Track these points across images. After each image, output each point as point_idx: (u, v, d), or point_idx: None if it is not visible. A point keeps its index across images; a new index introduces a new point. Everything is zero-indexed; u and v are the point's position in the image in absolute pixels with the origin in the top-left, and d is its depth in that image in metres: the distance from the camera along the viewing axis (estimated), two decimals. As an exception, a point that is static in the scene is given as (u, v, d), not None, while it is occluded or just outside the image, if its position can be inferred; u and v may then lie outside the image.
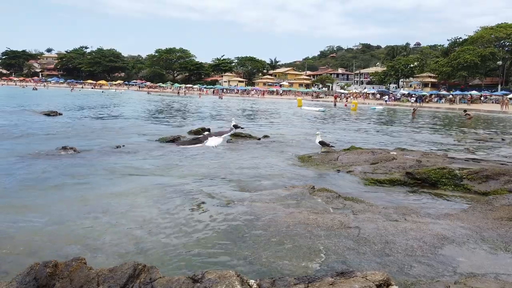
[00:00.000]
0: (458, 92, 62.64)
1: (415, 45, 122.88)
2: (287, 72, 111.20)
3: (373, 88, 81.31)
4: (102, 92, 71.85)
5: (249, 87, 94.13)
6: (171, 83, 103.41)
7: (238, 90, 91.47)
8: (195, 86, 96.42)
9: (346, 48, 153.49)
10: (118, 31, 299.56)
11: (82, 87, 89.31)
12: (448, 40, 79.09)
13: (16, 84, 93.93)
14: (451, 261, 4.34)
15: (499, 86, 65.55)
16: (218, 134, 10.41)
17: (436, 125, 26.44)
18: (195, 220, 5.70)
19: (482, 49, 63.30)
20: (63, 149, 10.45)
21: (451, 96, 60.96)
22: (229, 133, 10.79)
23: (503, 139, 17.43)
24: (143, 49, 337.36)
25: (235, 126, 16.42)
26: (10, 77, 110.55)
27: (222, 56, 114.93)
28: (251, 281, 2.74)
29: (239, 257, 4.49)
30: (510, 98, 51.78)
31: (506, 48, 67.07)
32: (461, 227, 5.37)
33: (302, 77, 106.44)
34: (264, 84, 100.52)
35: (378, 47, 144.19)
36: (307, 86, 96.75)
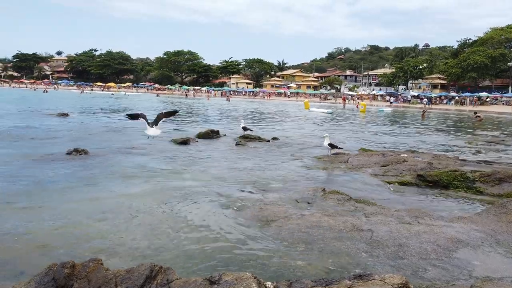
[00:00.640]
0: (467, 93, 62.04)
1: (424, 46, 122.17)
2: (294, 74, 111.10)
3: (381, 89, 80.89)
4: (112, 94, 72.43)
5: (257, 89, 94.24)
6: (180, 85, 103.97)
7: (246, 92, 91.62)
8: (203, 88, 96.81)
9: (354, 50, 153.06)
10: (127, 34, 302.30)
11: (92, 90, 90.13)
12: (457, 41, 78.36)
13: (27, 87, 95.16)
14: (466, 265, 4.30)
15: (510, 87, 64.79)
16: (154, 123, 10.10)
17: (446, 127, 26.21)
18: (207, 222, 5.72)
19: (492, 50, 62.63)
20: (74, 151, 10.55)
21: (457, 97, 60.46)
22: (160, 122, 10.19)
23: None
24: (152, 51, 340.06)
25: (244, 128, 16.45)
26: (21, 80, 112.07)
27: (230, 58, 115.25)
28: (268, 283, 2.75)
29: (251, 259, 4.50)
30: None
31: (517, 49, 66.32)
32: (475, 230, 5.32)
33: (310, 79, 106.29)
34: (272, 86, 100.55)
35: (386, 48, 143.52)
36: (315, 88, 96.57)
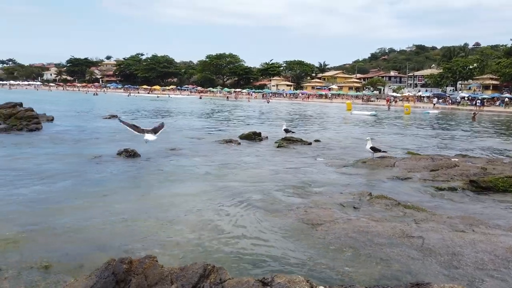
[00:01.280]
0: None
1: (474, 45, 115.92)
2: (336, 75, 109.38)
3: (427, 91, 77.67)
4: (157, 97, 74.99)
5: (297, 91, 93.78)
6: (221, 87, 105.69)
7: (286, 94, 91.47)
8: (244, 91, 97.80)
9: (398, 50, 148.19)
10: (172, 38, 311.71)
11: (138, 92, 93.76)
12: (511, 39, 73.57)
13: (79, 90, 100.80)
14: (527, 277, 4.05)
15: None
16: (153, 130, 11.20)
17: (499, 131, 24.74)
18: (252, 223, 5.79)
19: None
20: (124, 151, 11.05)
21: (506, 99, 56.79)
22: (161, 130, 11.36)
23: None
24: (195, 55, 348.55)
25: (286, 131, 16.44)
26: (73, 83, 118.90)
27: (270, 61, 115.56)
28: (321, 287, 2.75)
29: (298, 262, 4.49)
30: None
31: None
32: (537, 241, 4.99)
33: (352, 80, 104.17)
34: (313, 87, 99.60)
35: (433, 48, 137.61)
36: (357, 89, 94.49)
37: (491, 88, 71.32)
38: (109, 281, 3.02)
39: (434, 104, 56.43)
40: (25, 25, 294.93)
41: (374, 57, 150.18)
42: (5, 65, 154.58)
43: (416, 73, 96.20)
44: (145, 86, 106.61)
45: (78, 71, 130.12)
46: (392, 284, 2.89)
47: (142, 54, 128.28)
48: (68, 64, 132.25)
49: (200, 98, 78.66)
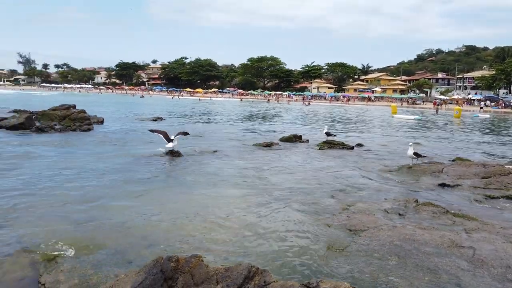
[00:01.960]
0: None
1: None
2: (379, 78, 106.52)
3: (476, 93, 73.62)
4: (199, 100, 76.74)
5: (339, 94, 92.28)
6: (262, 90, 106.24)
7: (327, 96, 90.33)
8: (284, 93, 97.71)
9: (447, 51, 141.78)
10: (214, 42, 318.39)
11: (182, 95, 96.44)
12: None
13: (126, 92, 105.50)
14: None
15: None
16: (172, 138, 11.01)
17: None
18: (293, 228, 5.78)
19: None
20: (170, 152, 11.43)
21: None
22: (177, 136, 11.11)
23: None
24: (237, 58, 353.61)
25: (327, 134, 16.25)
26: (122, 86, 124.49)
27: (312, 63, 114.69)
28: (366, 295, 2.70)
29: (339, 268, 4.43)
30: None
31: None
32: None
33: (396, 82, 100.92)
34: (355, 90, 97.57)
35: (485, 48, 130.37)
36: (402, 92, 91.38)
37: (550, 91, 66.45)
38: (157, 278, 3.15)
39: (481, 108, 53.38)
40: (78, 31, 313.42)
41: (420, 58, 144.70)
42: (60, 69, 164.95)
43: (466, 75, 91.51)
44: (188, 89, 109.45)
45: (126, 74, 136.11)
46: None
47: (186, 58, 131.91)
48: (117, 68, 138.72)
49: (241, 100, 79.52)
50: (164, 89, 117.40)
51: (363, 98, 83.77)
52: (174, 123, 23.54)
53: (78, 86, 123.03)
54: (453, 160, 11.31)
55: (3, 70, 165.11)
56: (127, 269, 4.27)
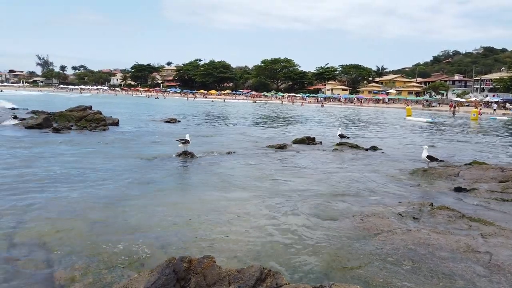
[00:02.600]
0: None
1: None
2: (394, 79, 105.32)
3: (494, 96, 72.09)
4: (212, 101, 77.19)
5: (353, 95, 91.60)
6: (275, 92, 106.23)
7: (340, 98, 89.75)
8: (298, 95, 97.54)
9: (464, 52, 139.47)
10: (228, 44, 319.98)
11: (196, 97, 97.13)
12: None
13: (141, 94, 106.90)
14: None
15: None
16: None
17: None
18: (306, 230, 5.75)
19: None
20: (183, 153, 11.52)
21: None
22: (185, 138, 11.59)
23: None
24: (250, 60, 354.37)
25: (341, 136, 16.15)
26: (137, 88, 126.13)
27: (326, 65, 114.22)
28: (379, 299, 2.67)
29: (352, 272, 4.39)
30: None
31: None
32: None
33: (411, 84, 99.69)
34: (369, 92, 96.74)
35: (504, 50, 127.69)
36: (418, 94, 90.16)
37: None
38: (170, 278, 3.17)
39: (494, 110, 52.29)
40: (95, 33, 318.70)
41: (436, 60, 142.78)
42: (77, 71, 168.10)
43: (484, 77, 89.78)
44: (202, 91, 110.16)
45: (141, 76, 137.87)
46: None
47: (200, 60, 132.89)
48: (132, 70, 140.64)
49: (255, 102, 79.69)
50: (178, 91, 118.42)
51: (377, 100, 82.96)
52: (191, 125, 23.70)
53: (95, 87, 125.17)
54: (469, 164, 11.11)
55: (22, 72, 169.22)
56: (140, 269, 4.32)
